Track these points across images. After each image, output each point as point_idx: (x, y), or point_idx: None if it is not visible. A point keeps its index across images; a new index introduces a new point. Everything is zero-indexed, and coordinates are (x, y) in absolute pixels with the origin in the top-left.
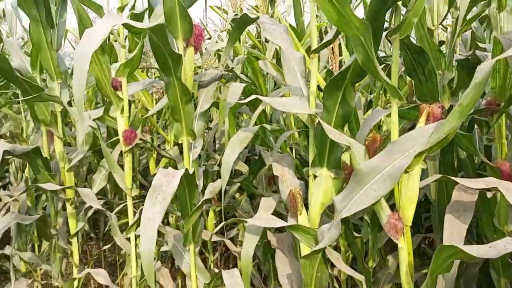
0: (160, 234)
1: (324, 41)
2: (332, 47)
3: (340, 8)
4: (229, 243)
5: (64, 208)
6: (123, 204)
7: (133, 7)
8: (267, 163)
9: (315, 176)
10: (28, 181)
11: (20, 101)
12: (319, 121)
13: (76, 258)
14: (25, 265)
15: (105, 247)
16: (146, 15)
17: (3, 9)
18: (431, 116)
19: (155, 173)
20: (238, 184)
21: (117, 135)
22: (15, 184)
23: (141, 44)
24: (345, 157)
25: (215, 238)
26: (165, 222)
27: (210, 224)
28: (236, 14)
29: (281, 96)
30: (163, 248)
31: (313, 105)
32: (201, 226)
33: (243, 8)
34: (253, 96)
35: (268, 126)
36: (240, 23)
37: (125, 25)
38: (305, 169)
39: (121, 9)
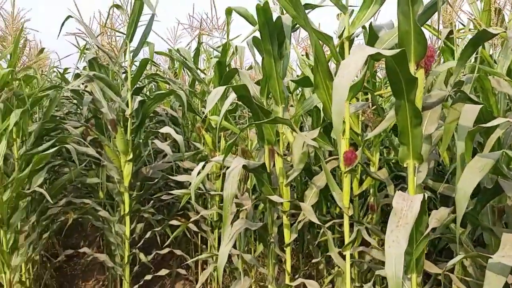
0: (361, 254)
1: None
2: None
3: None
4: (454, 279)
5: (277, 218)
6: (333, 221)
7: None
8: (509, 194)
9: None
10: (250, 192)
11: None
12: None
13: (288, 266)
14: (243, 266)
15: (314, 260)
16: None
17: (235, 46)
18: None
19: (358, 194)
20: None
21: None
22: (239, 194)
23: (365, 70)
24: None
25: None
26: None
27: None
28: (451, 30)
29: None
30: (378, 272)
31: None
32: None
33: (455, 23)
34: (502, 119)
35: (510, 153)
36: (476, 40)
37: (372, 54)
38: None
39: (347, 38)
